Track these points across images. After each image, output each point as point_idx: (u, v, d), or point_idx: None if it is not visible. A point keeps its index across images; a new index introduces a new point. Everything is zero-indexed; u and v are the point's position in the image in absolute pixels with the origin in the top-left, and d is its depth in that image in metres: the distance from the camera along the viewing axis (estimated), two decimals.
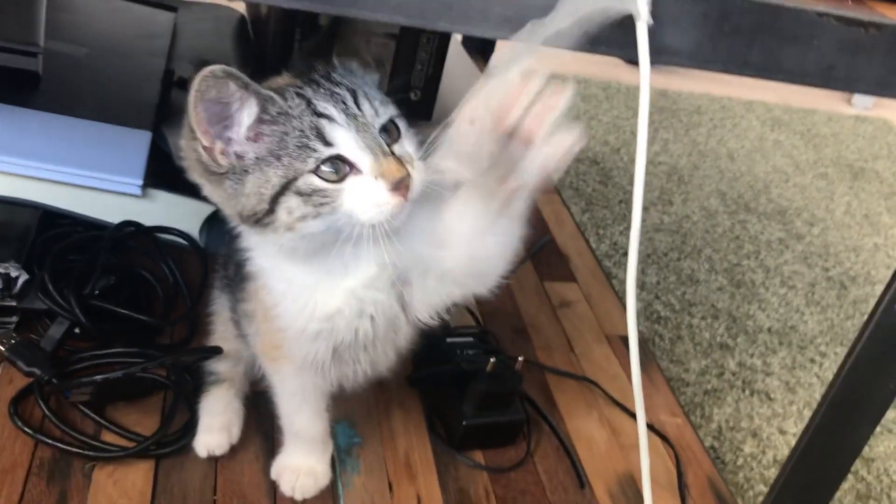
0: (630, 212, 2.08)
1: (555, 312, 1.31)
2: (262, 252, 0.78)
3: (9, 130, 1.09)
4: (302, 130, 0.67)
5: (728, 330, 1.76)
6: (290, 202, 0.68)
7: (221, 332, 1.00)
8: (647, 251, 1.97)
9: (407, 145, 0.72)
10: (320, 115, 0.68)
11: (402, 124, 0.73)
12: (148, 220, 1.12)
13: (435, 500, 0.95)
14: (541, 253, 1.45)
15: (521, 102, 0.59)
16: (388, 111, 0.72)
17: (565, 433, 1.08)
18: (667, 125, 2.61)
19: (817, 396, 1.64)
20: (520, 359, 1.01)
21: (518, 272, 1.38)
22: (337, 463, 0.96)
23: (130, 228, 1.10)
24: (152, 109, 1.22)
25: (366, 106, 0.70)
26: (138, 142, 1.14)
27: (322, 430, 0.92)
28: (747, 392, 1.61)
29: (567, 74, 0.61)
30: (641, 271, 1.89)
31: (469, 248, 0.73)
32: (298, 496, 0.91)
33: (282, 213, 0.68)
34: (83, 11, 1.41)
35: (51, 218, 1.09)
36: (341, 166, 0.68)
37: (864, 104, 3.10)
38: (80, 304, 0.98)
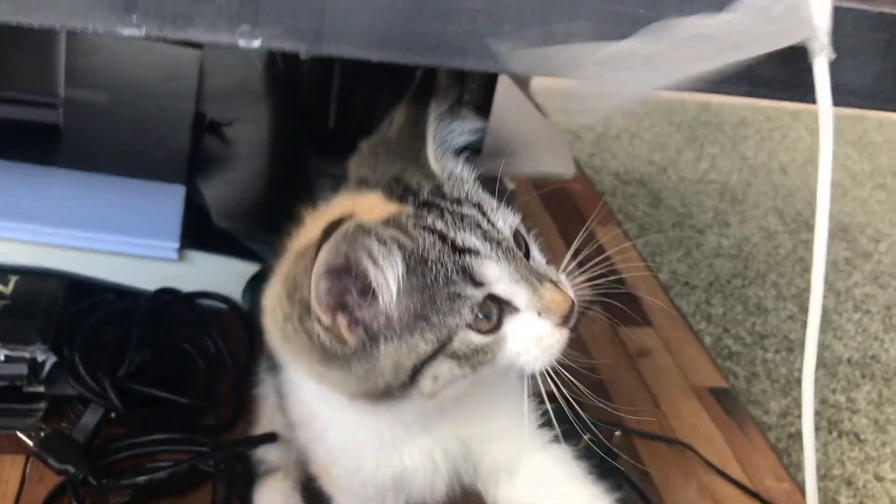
0: (686, 237, 1.96)
1: (633, 363, 1.18)
2: (324, 398, 0.61)
3: (29, 193, 0.99)
4: (447, 276, 0.52)
5: None
6: (440, 368, 0.53)
7: (269, 419, 0.88)
8: (709, 279, 1.84)
9: (538, 257, 0.58)
10: (462, 250, 0.53)
11: (524, 231, 0.59)
12: (185, 285, 1.00)
13: None
14: (608, 293, 1.32)
15: None
16: (513, 219, 0.57)
17: None
18: (713, 140, 2.48)
19: None
20: (616, 433, 0.89)
21: (586, 317, 1.26)
22: None
23: (167, 297, 0.98)
24: (184, 159, 1.11)
25: (500, 222, 0.55)
26: (172, 198, 1.03)
27: None
28: (834, 433, 1.48)
29: None
30: (704, 301, 1.77)
31: None
32: None
33: (426, 383, 0.53)
34: (102, 53, 1.31)
35: (78, 288, 0.98)
36: (492, 308, 0.53)
37: None
38: (114, 389, 0.87)
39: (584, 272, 0.60)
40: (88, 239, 0.96)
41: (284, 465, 0.87)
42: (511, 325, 0.54)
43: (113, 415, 0.89)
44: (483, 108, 1.33)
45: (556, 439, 0.68)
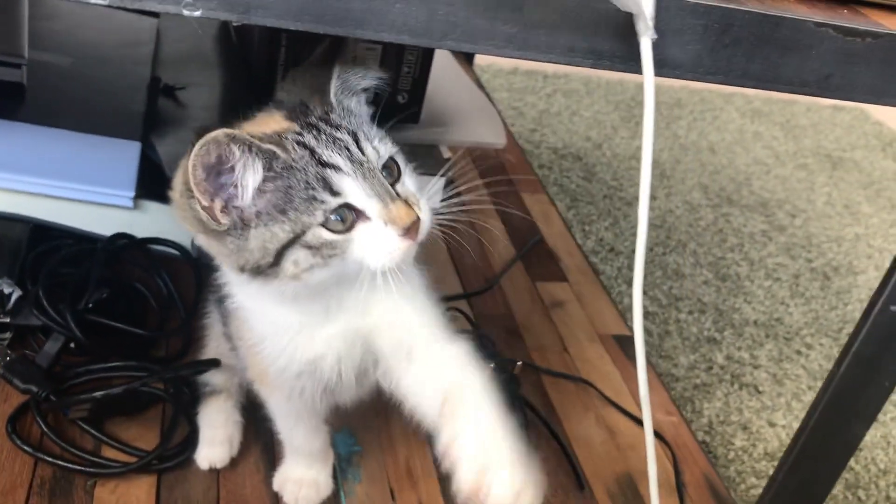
0: (615, 208, 2.10)
1: (547, 313, 1.31)
2: (244, 291, 0.76)
3: None
4: (308, 182, 0.65)
5: (715, 324, 1.78)
6: (297, 255, 0.66)
7: (215, 347, 0.99)
8: (632, 247, 1.98)
9: (409, 183, 0.71)
10: (325, 164, 0.66)
11: (401, 161, 0.72)
12: (140, 232, 1.11)
13: None
14: (531, 253, 1.45)
15: None
16: (387, 149, 0.70)
17: (564, 435, 1.08)
18: None
19: (804, 388, 1.66)
20: (518, 363, 1.01)
21: (509, 273, 1.39)
22: (338, 472, 0.96)
23: (123, 241, 1.09)
24: (140, 119, 1.21)
25: (368, 149, 0.69)
26: (128, 153, 1.13)
27: (322, 443, 0.92)
28: (736, 385, 1.63)
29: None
30: (626, 266, 1.90)
31: None
32: None
33: (288, 265, 0.66)
34: (65, 19, 1.40)
35: (41, 232, 1.08)
36: (348, 214, 0.66)
37: None
38: (75, 320, 0.97)
39: (451, 197, 0.72)
40: (51, 187, 1.06)
41: (227, 388, 0.99)
42: (360, 230, 0.67)
43: (72, 345, 0.99)
44: (420, 80, 1.44)
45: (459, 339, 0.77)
